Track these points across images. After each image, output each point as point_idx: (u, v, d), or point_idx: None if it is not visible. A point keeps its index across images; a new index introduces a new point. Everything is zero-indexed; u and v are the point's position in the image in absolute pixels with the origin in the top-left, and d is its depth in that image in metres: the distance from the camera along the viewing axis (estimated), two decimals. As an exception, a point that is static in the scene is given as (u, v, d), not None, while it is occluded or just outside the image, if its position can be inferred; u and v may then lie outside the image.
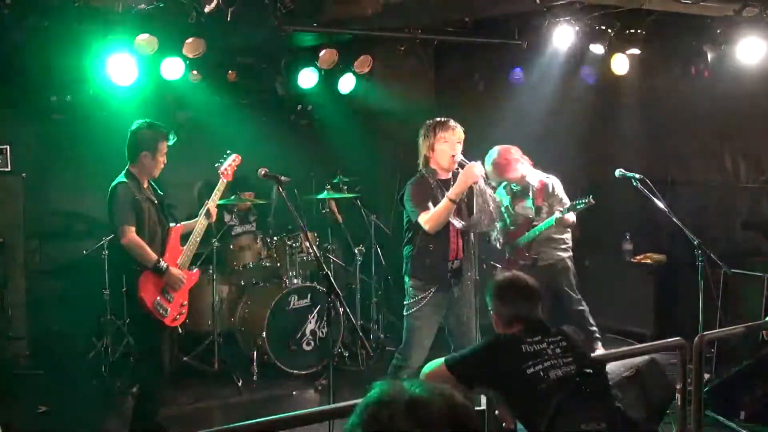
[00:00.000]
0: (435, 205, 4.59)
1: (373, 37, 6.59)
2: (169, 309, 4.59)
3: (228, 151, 5.07)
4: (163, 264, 4.52)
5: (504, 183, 6.04)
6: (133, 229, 4.46)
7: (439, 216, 4.55)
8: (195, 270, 4.95)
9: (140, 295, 4.48)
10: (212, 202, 4.87)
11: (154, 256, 4.50)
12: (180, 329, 4.95)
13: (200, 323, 6.41)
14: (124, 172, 4.61)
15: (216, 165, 5.02)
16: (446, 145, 4.65)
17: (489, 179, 5.70)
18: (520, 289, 3.11)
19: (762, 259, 6.25)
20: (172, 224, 4.82)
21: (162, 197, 4.82)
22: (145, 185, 4.69)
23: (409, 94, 7.42)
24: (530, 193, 5.95)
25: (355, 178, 7.13)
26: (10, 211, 6.69)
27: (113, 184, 4.56)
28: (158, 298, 4.54)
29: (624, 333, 7.13)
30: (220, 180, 4.96)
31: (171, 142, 4.69)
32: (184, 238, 4.83)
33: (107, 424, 5.42)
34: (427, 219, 4.56)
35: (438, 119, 4.74)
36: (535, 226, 5.81)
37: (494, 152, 5.92)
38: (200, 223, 4.84)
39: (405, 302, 4.77)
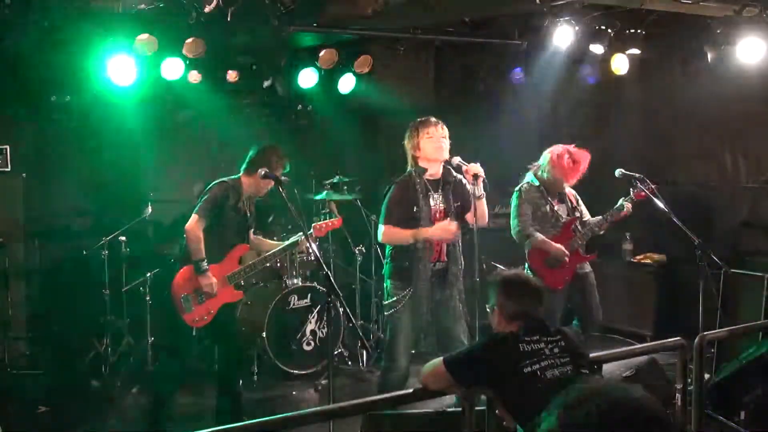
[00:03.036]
0: (414, 207, 4.58)
1: (373, 37, 6.60)
2: (194, 308, 4.69)
3: (329, 212, 5.24)
4: (204, 265, 4.59)
5: (534, 182, 5.60)
6: (203, 222, 4.56)
7: (396, 241, 4.65)
8: (238, 291, 4.94)
9: (173, 282, 4.66)
10: (303, 243, 4.87)
11: (202, 253, 4.58)
12: (194, 331, 5.04)
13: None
14: (237, 174, 4.75)
15: (314, 219, 5.12)
16: (432, 140, 4.67)
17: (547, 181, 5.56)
18: (527, 286, 3.11)
19: (762, 259, 6.25)
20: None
21: (254, 215, 4.90)
22: (246, 195, 4.76)
23: (409, 94, 7.41)
24: (564, 197, 5.71)
25: (355, 178, 7.13)
26: (10, 211, 6.69)
27: (221, 179, 4.71)
28: (190, 294, 4.67)
29: (624, 333, 7.14)
30: (310, 231, 4.88)
31: (285, 171, 4.71)
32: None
33: (107, 424, 5.42)
34: (384, 233, 4.64)
35: (419, 119, 4.76)
36: (576, 228, 5.53)
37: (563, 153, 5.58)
38: (277, 252, 4.94)
39: (384, 302, 4.77)
